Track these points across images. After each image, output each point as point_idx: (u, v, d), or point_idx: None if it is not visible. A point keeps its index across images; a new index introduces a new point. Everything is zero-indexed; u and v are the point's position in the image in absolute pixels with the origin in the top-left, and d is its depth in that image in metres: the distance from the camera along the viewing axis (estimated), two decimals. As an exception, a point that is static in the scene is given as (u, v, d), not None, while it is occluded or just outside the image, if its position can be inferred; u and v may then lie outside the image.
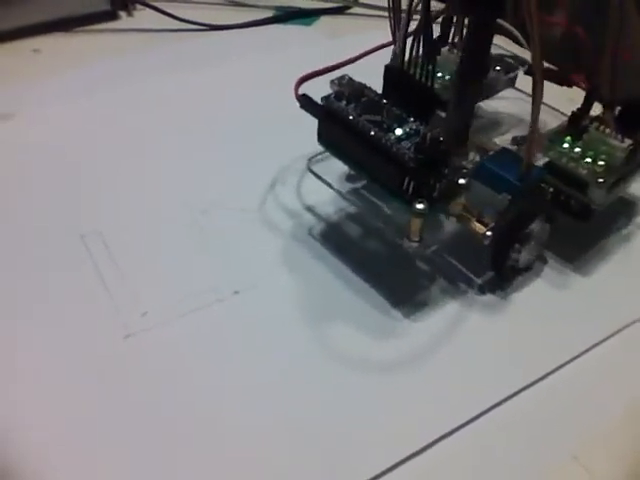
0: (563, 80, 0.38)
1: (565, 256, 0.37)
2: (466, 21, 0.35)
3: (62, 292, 0.34)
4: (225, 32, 0.56)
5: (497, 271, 0.35)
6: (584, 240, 0.38)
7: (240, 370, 0.31)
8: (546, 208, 0.34)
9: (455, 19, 0.40)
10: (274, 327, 0.33)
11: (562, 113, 0.40)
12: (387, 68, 0.34)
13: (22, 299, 0.34)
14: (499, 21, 0.34)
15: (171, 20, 0.56)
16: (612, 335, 0.34)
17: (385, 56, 0.36)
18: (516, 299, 0.35)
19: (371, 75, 0.34)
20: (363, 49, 0.38)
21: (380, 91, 0.35)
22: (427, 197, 0.31)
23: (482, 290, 0.35)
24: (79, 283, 0.34)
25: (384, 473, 0.28)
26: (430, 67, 0.32)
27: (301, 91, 0.35)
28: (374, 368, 0.32)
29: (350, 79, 0.35)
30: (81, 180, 0.40)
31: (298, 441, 0.29)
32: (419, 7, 0.32)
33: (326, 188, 0.38)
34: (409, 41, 0.33)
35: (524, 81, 0.40)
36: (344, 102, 0.33)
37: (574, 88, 0.37)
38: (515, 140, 0.36)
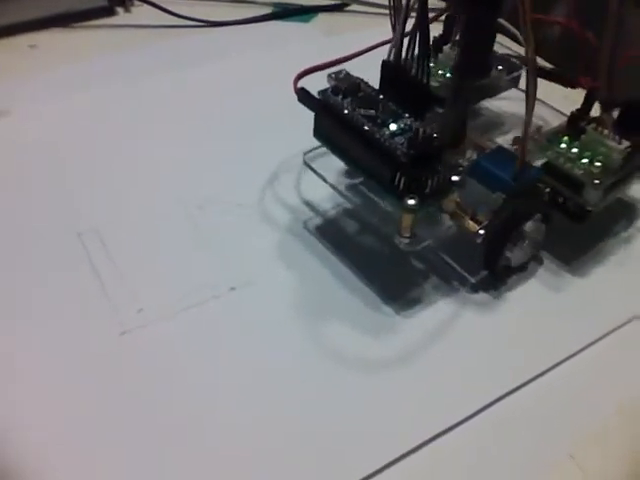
0: (567, 81, 0.38)
1: (561, 257, 0.37)
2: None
3: (58, 290, 0.34)
4: (223, 28, 0.56)
5: (490, 270, 0.35)
6: (582, 242, 0.38)
7: (235, 367, 0.31)
8: (542, 208, 0.34)
9: (457, 17, 0.40)
10: (270, 324, 0.33)
11: (563, 114, 0.39)
12: (384, 63, 0.34)
13: (18, 298, 0.33)
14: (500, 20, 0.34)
15: (169, 16, 0.56)
16: (607, 334, 0.34)
17: (386, 52, 0.36)
18: (510, 298, 0.35)
19: (372, 71, 0.34)
20: (361, 46, 0.38)
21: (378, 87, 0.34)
22: (418, 193, 0.31)
23: (475, 289, 0.35)
24: (75, 281, 0.34)
25: (379, 471, 0.28)
26: (426, 63, 0.32)
27: (300, 86, 0.35)
28: (369, 366, 0.32)
29: (347, 74, 0.35)
30: (78, 177, 0.40)
31: (293, 439, 0.29)
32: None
33: (323, 184, 0.38)
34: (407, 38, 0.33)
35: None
36: (340, 96, 0.33)
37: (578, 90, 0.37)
38: (516, 140, 0.36)
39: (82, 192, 0.39)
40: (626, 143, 0.35)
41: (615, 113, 0.35)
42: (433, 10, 0.39)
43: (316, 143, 0.36)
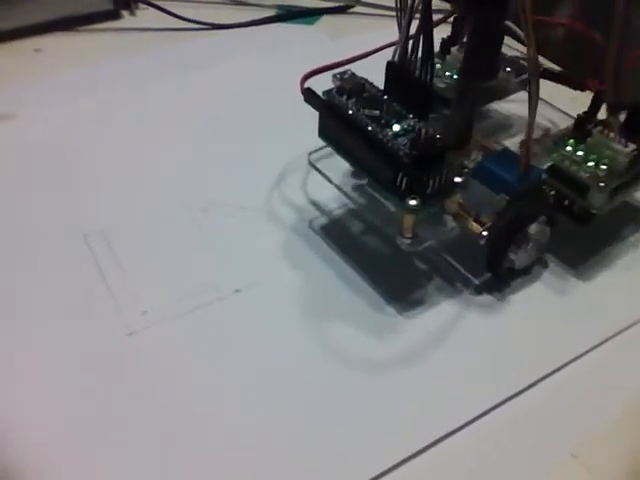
0: (575, 83, 0.37)
1: (567, 261, 0.37)
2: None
3: (63, 291, 0.34)
4: (227, 31, 0.56)
5: (493, 272, 0.35)
6: (588, 246, 0.38)
7: (240, 368, 0.31)
8: (546, 211, 0.34)
9: (465, 19, 0.40)
10: (274, 325, 0.33)
11: (571, 116, 0.39)
12: (388, 64, 0.34)
13: (25, 299, 0.34)
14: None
15: (174, 19, 0.56)
16: (612, 336, 0.33)
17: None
18: (514, 300, 0.35)
19: (378, 72, 0.34)
20: (366, 48, 0.38)
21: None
22: (420, 194, 0.31)
23: (478, 291, 0.35)
24: (81, 282, 0.34)
25: (384, 473, 0.28)
26: (429, 64, 0.32)
27: (307, 86, 0.35)
28: (373, 367, 0.32)
29: (352, 74, 0.35)
30: (83, 180, 0.40)
31: (297, 440, 0.29)
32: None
33: (327, 186, 0.38)
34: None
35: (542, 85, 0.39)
36: (345, 97, 0.33)
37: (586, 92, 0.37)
38: (523, 143, 0.36)
39: (88, 195, 0.40)
40: (632, 146, 0.34)
41: (622, 116, 0.35)
42: (441, 12, 0.40)
43: (321, 145, 0.36)
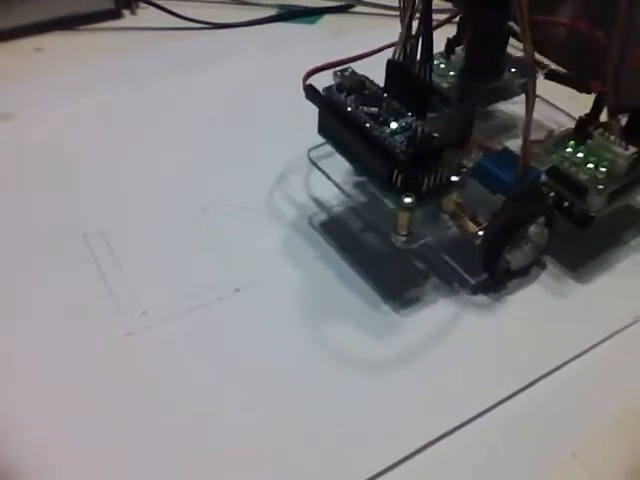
0: (580, 85, 0.37)
1: (566, 263, 0.37)
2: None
3: (63, 290, 0.34)
4: (228, 30, 0.56)
5: (489, 272, 0.35)
6: (589, 249, 0.37)
7: (239, 368, 0.31)
8: (544, 212, 0.34)
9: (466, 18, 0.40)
10: (274, 325, 0.33)
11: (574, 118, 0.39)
12: (389, 62, 0.34)
13: (25, 299, 0.34)
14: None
15: (174, 19, 0.56)
16: (611, 336, 0.33)
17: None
18: (513, 301, 0.35)
19: (381, 70, 0.34)
20: (366, 47, 0.38)
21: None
22: (415, 191, 0.31)
23: (475, 291, 0.35)
24: (80, 281, 0.34)
25: (383, 472, 0.28)
26: (429, 63, 0.32)
27: (309, 83, 0.35)
28: (373, 367, 0.32)
29: (353, 72, 0.35)
30: (83, 180, 0.40)
31: (297, 440, 0.29)
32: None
33: (326, 185, 0.38)
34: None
35: (549, 87, 0.39)
36: (344, 94, 0.33)
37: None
38: None
39: (88, 195, 0.40)
40: (633, 149, 0.34)
41: (623, 118, 0.35)
42: (446, 11, 0.40)
43: (320, 142, 0.36)
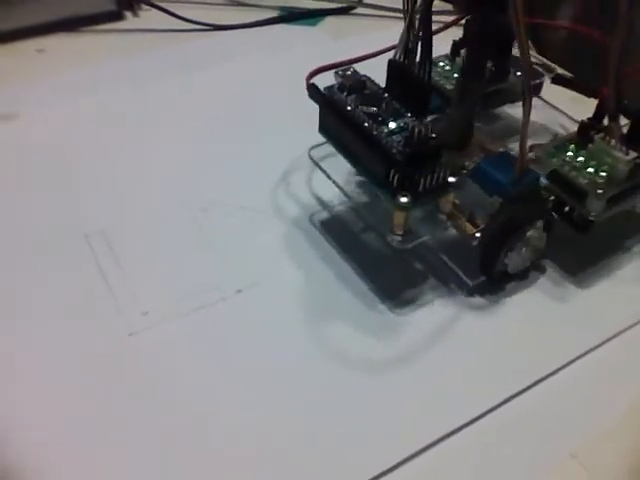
0: (590, 91, 0.37)
1: (566, 268, 0.37)
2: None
3: (64, 291, 0.34)
4: (230, 32, 0.56)
5: (486, 274, 0.35)
6: (589, 254, 0.37)
7: (240, 368, 0.31)
8: (542, 215, 0.34)
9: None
10: (274, 325, 0.33)
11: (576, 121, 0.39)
12: (390, 62, 0.34)
13: (25, 299, 0.34)
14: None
15: (176, 20, 0.56)
16: (612, 337, 0.33)
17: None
18: (514, 303, 0.35)
19: (383, 70, 0.34)
20: (367, 49, 0.38)
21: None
22: (412, 191, 0.31)
23: (475, 292, 0.35)
24: (82, 282, 0.34)
25: (384, 473, 0.28)
26: (428, 64, 0.32)
27: (312, 82, 0.35)
28: (373, 367, 0.32)
29: (355, 71, 0.35)
30: (84, 180, 0.40)
31: (297, 440, 0.29)
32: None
33: (327, 185, 0.38)
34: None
35: (557, 92, 0.39)
36: (345, 93, 0.34)
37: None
38: (531, 148, 0.36)
39: (88, 195, 0.40)
40: (633, 154, 0.34)
41: (624, 122, 0.35)
42: (451, 13, 0.40)
43: (320, 142, 0.36)
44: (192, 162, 0.42)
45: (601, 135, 0.35)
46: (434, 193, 0.32)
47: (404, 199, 0.30)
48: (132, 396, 0.30)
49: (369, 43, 0.38)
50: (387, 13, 0.57)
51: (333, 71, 0.35)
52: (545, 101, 0.43)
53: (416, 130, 0.30)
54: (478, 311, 0.34)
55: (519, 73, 0.40)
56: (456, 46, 0.41)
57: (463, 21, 0.40)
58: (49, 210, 0.38)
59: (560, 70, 0.43)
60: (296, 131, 0.38)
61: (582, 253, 0.37)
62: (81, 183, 0.40)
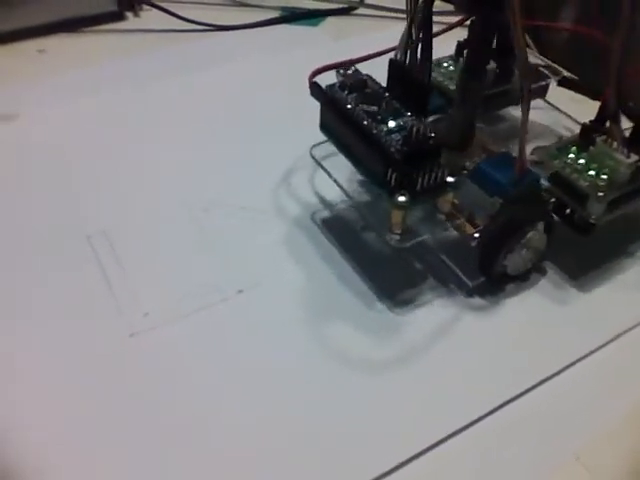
0: (595, 93, 0.37)
1: (567, 271, 0.36)
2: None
3: (66, 291, 0.34)
4: (231, 32, 0.56)
5: (485, 275, 0.35)
6: (591, 258, 0.37)
7: (240, 368, 0.31)
8: (542, 216, 0.33)
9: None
10: (275, 325, 0.33)
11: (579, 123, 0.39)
12: (391, 62, 0.34)
13: (25, 299, 0.34)
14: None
15: (177, 21, 0.56)
16: (612, 340, 0.33)
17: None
18: (512, 304, 0.35)
19: (385, 70, 0.34)
20: (368, 49, 0.38)
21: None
22: (410, 190, 0.31)
23: (474, 293, 0.35)
24: (84, 282, 0.34)
25: (385, 474, 0.28)
26: (428, 64, 0.32)
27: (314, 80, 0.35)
28: (373, 368, 0.32)
29: (356, 70, 0.35)
30: (85, 180, 0.41)
31: (297, 440, 0.29)
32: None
33: (327, 185, 0.38)
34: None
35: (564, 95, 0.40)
36: (346, 92, 0.34)
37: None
38: (535, 150, 0.36)
39: (89, 195, 0.40)
40: (635, 157, 0.34)
41: (627, 129, 0.34)
42: (452, 14, 0.40)
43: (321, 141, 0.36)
44: (193, 162, 0.42)
45: (603, 138, 0.35)
46: (432, 192, 0.32)
47: (402, 198, 0.30)
48: (132, 396, 0.30)
49: (370, 43, 0.38)
50: (388, 14, 0.57)
51: (335, 70, 0.35)
52: (550, 103, 0.43)
53: (414, 129, 0.30)
54: (478, 312, 0.34)
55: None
56: (460, 47, 0.41)
57: (468, 22, 0.40)
58: (49, 210, 0.38)
59: (565, 72, 0.43)
60: (297, 131, 0.38)
61: (583, 255, 0.37)
62: (81, 183, 0.40)
